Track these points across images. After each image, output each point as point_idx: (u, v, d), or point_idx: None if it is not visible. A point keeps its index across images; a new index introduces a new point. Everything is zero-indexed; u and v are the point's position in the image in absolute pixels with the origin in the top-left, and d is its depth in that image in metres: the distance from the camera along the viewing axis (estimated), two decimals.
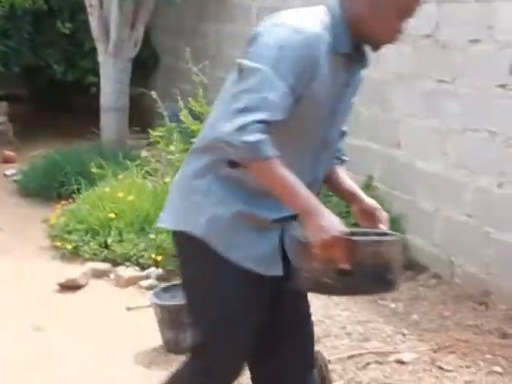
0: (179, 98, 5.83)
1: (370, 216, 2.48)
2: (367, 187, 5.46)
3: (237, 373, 2.51)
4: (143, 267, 5.11)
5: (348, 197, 2.56)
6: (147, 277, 5.01)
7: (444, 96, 4.94)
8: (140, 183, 6.03)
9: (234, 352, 2.43)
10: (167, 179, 5.64)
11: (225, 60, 8.45)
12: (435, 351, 3.76)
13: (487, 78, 4.56)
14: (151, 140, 6.30)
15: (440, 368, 3.65)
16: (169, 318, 3.93)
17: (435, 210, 5.00)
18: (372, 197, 2.57)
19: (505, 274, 4.42)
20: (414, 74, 5.23)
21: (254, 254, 2.31)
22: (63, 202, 6.46)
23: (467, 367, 3.58)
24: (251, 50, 2.23)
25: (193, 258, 2.39)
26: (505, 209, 4.42)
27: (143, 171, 6.33)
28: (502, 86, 4.47)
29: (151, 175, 6.30)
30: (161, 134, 5.94)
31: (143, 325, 4.26)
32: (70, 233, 5.63)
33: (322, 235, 2.14)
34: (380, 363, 3.71)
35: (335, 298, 4.50)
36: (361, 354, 3.78)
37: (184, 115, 5.52)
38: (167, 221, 2.43)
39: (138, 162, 6.63)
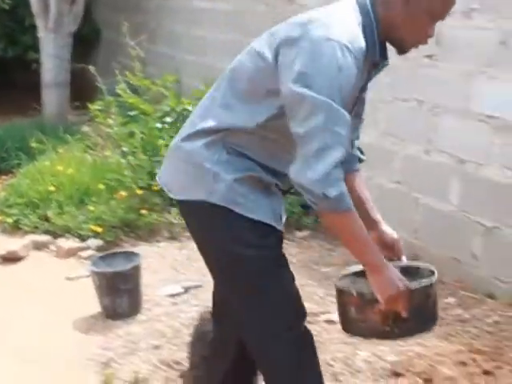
0: (118, 72, 5.90)
1: (389, 247, 2.57)
2: None
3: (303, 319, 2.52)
4: (83, 239, 5.18)
5: (368, 222, 2.50)
6: (87, 248, 5.08)
7: None
8: (80, 157, 6.08)
9: (290, 304, 2.48)
10: (107, 152, 5.71)
11: (165, 35, 8.53)
12: None
13: (415, 49, 4.70)
14: (92, 115, 6.36)
15: None
16: (106, 285, 4.03)
17: (368, 179, 5.14)
18: None
19: (432, 239, 4.61)
20: None
21: (270, 212, 2.36)
22: (3, 177, 6.50)
23: None
24: (304, 68, 2.13)
25: (215, 226, 2.36)
26: (432, 175, 4.59)
27: (83, 145, 6.38)
28: (429, 57, 4.64)
29: (92, 149, 6.36)
30: (99, 107, 5.99)
31: (82, 293, 4.34)
32: (10, 207, 5.67)
33: (388, 292, 2.27)
34: (311, 323, 3.84)
35: None
36: None
37: (121, 89, 5.58)
38: (183, 193, 2.40)
39: (78, 136, 6.68)
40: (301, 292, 4.25)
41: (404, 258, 2.59)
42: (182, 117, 5.73)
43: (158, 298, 4.28)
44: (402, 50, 2.39)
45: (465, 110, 4.40)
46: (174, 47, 8.33)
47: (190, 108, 5.61)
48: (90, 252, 5.01)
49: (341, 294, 2.50)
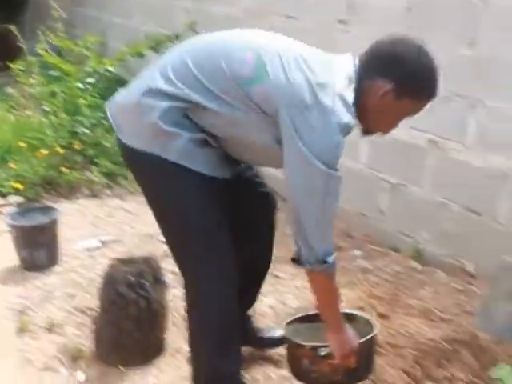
0: (40, 33, 5.92)
1: None
2: None
3: (233, 277, 2.69)
4: (4, 195, 5.23)
5: None
6: (8, 204, 5.13)
7: (292, 32, 5.21)
8: (2, 116, 6.11)
9: (221, 254, 2.63)
10: (29, 112, 5.76)
11: None
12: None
13: (329, 14, 4.88)
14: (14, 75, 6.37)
15: (276, 276, 4.01)
16: (23, 238, 4.13)
17: None
18: None
19: (342, 195, 4.80)
20: (264, 11, 5.49)
21: (213, 164, 2.52)
22: None
23: (298, 274, 3.90)
24: (310, 138, 2.30)
25: (161, 177, 2.54)
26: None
27: (7, 105, 6.40)
28: (342, 22, 4.82)
29: (15, 109, 6.39)
30: (21, 67, 6.02)
31: (2, 247, 4.42)
32: None
33: (344, 350, 2.61)
34: None
35: None
36: None
37: (41, 49, 5.62)
38: (135, 142, 2.52)
39: (2, 97, 6.69)
40: None
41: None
42: (104, 77, 5.82)
43: (75, 251, 4.39)
44: (366, 133, 2.57)
45: None
46: (101, 10, 8.35)
47: (111, 69, 5.70)
48: (10, 208, 5.06)
49: (294, 347, 2.75)
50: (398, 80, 2.37)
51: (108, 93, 6.22)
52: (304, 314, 2.95)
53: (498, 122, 3.97)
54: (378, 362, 3.06)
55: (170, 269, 3.94)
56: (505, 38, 3.88)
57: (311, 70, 2.38)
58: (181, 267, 2.71)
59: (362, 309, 3.59)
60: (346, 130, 2.36)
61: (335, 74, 2.40)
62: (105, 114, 5.52)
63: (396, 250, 4.50)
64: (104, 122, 5.72)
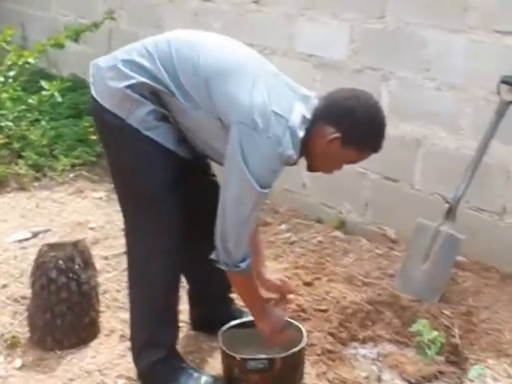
0: None
1: (276, 289, 3.09)
2: None
3: (174, 247, 2.82)
4: None
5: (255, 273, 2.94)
6: None
7: (208, 14, 5.35)
8: None
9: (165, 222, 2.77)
10: None
11: None
12: None
13: None
14: None
15: None
16: None
17: None
18: None
19: None
20: None
21: (172, 140, 2.69)
22: None
23: None
24: (253, 159, 2.48)
25: (121, 138, 2.70)
26: None
27: None
28: (256, 2, 4.94)
29: None
30: None
31: None
32: None
33: (273, 329, 2.85)
34: None
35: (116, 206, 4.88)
36: None
37: None
38: (105, 101, 2.68)
39: None
40: None
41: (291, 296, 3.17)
42: (25, 70, 5.82)
43: (6, 244, 4.41)
44: (309, 168, 2.76)
45: (289, 50, 4.74)
46: (19, 2, 8.28)
47: (31, 61, 5.69)
48: None
49: (226, 355, 2.90)
50: (346, 130, 2.55)
51: (30, 85, 6.27)
52: (243, 320, 3.09)
53: (409, 92, 4.15)
54: (306, 326, 3.20)
55: (101, 254, 4.04)
56: (410, 9, 4.05)
57: (274, 97, 2.54)
58: (126, 226, 2.91)
59: (288, 278, 3.73)
60: (286, 161, 2.55)
61: (293, 109, 2.57)
62: (28, 105, 5.56)
63: (320, 221, 4.66)
64: (28, 114, 5.75)
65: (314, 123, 2.60)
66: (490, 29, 3.78)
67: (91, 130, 5.58)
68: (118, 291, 3.72)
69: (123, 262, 4.00)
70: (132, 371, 3.03)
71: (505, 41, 3.72)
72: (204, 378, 2.94)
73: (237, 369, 2.86)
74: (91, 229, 4.51)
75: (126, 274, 3.82)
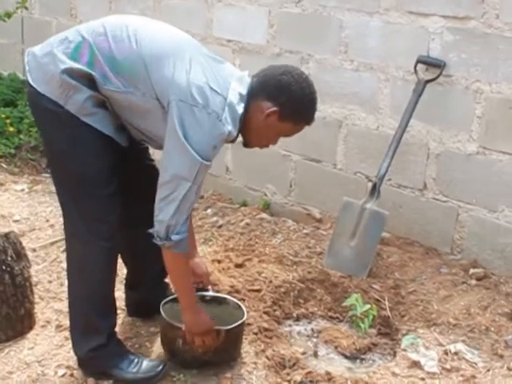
0: None
1: (198, 276, 3.14)
2: None
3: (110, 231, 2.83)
4: None
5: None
6: None
7: (123, 0, 5.33)
8: None
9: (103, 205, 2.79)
10: None
11: None
12: None
13: None
14: None
15: None
16: None
17: None
18: None
19: None
20: None
21: (109, 126, 2.71)
22: None
23: None
24: (193, 134, 2.53)
25: (58, 124, 2.69)
26: None
27: None
28: None
29: None
30: None
31: None
32: None
33: (196, 330, 2.86)
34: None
35: (39, 198, 4.84)
36: (62, 239, 4.11)
37: None
38: (42, 88, 2.67)
39: None
40: None
41: (210, 288, 3.20)
42: None
43: None
44: (245, 144, 2.82)
45: (207, 36, 4.77)
46: None
47: None
48: None
49: (169, 327, 2.95)
50: (282, 104, 2.65)
51: None
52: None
53: (328, 74, 4.24)
54: None
55: (28, 246, 4.00)
56: None
57: (211, 76, 2.62)
58: (66, 212, 2.87)
59: (219, 262, 3.79)
60: (225, 138, 2.63)
61: (231, 88, 2.65)
62: None
63: (245, 204, 4.72)
64: None
65: (250, 100, 2.67)
66: (405, 10, 3.90)
67: (8, 121, 5.49)
68: (49, 282, 3.70)
69: (52, 253, 4.02)
70: (72, 360, 3.03)
71: (419, 22, 3.85)
72: (145, 363, 2.97)
73: (181, 340, 2.91)
74: (16, 221, 4.46)
75: (56, 264, 3.88)
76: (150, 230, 2.69)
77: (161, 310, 2.99)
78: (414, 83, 3.84)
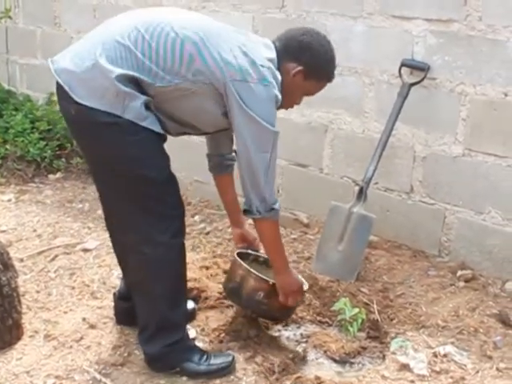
0: None
1: (249, 242, 3.39)
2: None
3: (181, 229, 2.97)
4: None
5: (235, 220, 3.41)
6: None
7: (107, 10, 5.33)
8: None
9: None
10: None
11: None
12: None
13: None
14: None
15: None
16: None
17: None
18: None
19: (180, 166, 4.95)
20: None
21: (159, 125, 2.76)
22: None
23: None
24: (256, 105, 2.69)
25: (118, 134, 2.70)
26: None
27: None
28: None
29: None
30: None
31: None
32: None
33: (291, 288, 3.05)
34: (68, 253, 4.11)
35: (26, 208, 4.82)
36: (50, 249, 4.15)
37: None
38: (94, 103, 2.66)
39: None
40: (58, 227, 4.50)
41: (262, 251, 3.30)
42: None
43: None
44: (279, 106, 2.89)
45: None
46: None
47: None
48: None
49: (254, 279, 3.09)
50: (306, 63, 2.86)
51: None
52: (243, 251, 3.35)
53: None
54: (229, 313, 3.33)
55: (15, 256, 3.98)
56: None
57: (250, 51, 2.74)
58: (130, 223, 2.85)
59: (207, 268, 3.78)
60: (278, 102, 2.78)
61: (265, 57, 2.79)
62: None
63: None
64: None
65: (279, 63, 2.83)
66: (388, 14, 3.92)
67: None
68: (37, 292, 3.68)
69: (39, 263, 4.01)
70: (61, 369, 3.01)
71: (403, 25, 3.87)
72: (213, 355, 3.05)
73: (262, 292, 3.08)
74: (3, 231, 4.44)
75: (43, 274, 3.87)
76: (245, 207, 2.84)
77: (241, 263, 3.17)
78: (399, 87, 3.85)
